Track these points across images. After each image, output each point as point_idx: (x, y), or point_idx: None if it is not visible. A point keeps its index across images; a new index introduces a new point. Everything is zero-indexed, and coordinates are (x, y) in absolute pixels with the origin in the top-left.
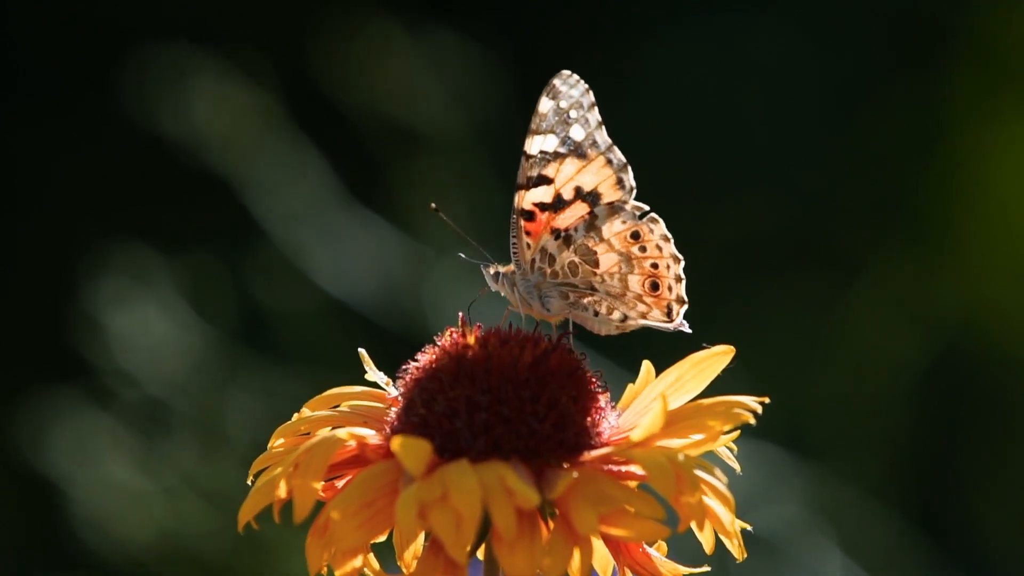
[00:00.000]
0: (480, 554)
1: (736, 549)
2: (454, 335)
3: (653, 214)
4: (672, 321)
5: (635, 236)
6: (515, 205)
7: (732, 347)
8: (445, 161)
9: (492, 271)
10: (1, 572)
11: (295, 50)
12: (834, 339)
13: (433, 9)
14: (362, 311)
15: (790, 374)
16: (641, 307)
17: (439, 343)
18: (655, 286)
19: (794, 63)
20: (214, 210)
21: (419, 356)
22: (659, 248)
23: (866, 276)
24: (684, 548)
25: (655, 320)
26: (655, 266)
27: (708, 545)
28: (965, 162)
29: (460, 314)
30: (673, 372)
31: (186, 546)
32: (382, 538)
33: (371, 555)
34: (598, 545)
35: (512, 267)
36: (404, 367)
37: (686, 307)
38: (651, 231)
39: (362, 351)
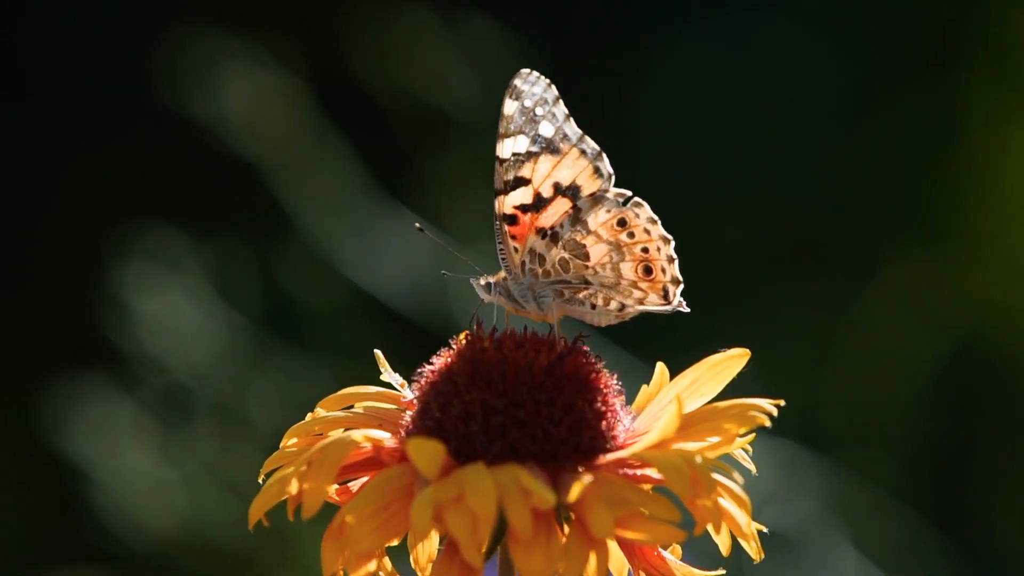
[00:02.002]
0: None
1: (753, 551)
2: (469, 338)
3: (637, 198)
4: (670, 303)
5: (622, 223)
6: (496, 211)
7: (747, 350)
8: (474, 151)
9: (483, 282)
10: (23, 557)
11: (326, 38)
12: (849, 339)
13: None
14: (388, 302)
15: (806, 373)
16: (637, 293)
17: (454, 346)
18: (648, 270)
19: (810, 64)
20: (243, 198)
21: (434, 359)
22: (647, 232)
23: (880, 277)
24: (702, 547)
25: (652, 304)
26: (645, 250)
27: (725, 547)
28: (979, 163)
29: (476, 317)
30: (688, 375)
31: (208, 535)
32: (397, 541)
33: (386, 558)
34: (613, 548)
35: (502, 274)
36: (419, 370)
37: (682, 287)
38: (637, 216)
39: (378, 352)
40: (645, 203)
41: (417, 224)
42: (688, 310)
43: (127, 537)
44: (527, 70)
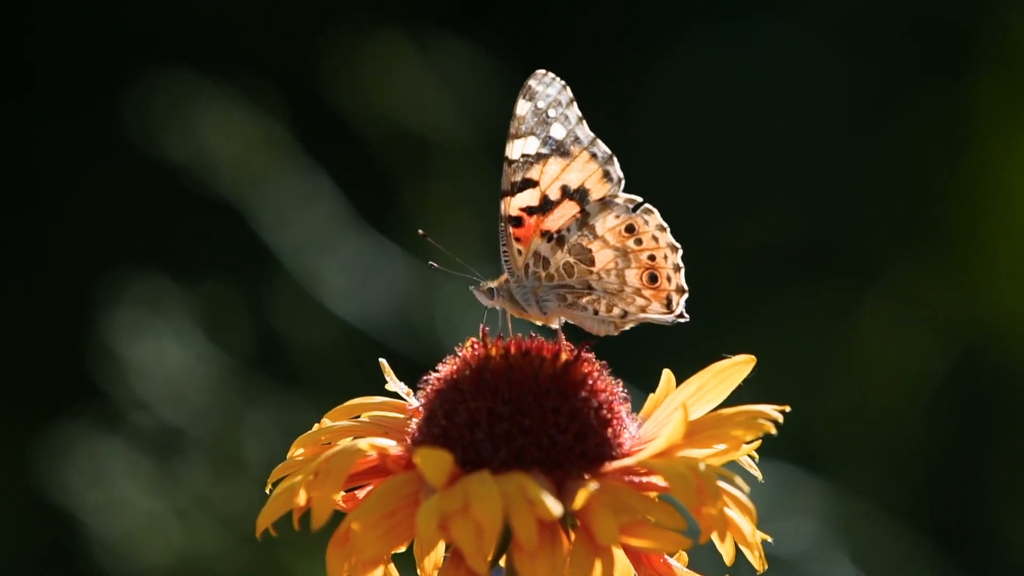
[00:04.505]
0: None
1: (757, 561)
2: (475, 346)
3: (647, 205)
4: (672, 312)
5: (630, 229)
6: (502, 213)
7: (753, 356)
8: (455, 176)
9: (484, 288)
10: None
11: (303, 70)
12: (854, 349)
13: (442, 21)
14: (375, 336)
15: (809, 386)
16: (640, 301)
17: (460, 354)
18: (653, 278)
19: (819, 71)
20: (227, 238)
21: (440, 367)
22: (655, 239)
23: (887, 285)
24: (700, 560)
25: (654, 313)
26: (652, 258)
27: (728, 556)
28: (989, 171)
29: (482, 326)
30: (694, 382)
31: (203, 569)
32: (403, 549)
33: (392, 566)
34: (619, 556)
35: (505, 277)
36: (425, 378)
37: (686, 296)
38: (646, 223)
39: (383, 361)
40: (655, 210)
41: (420, 231)
42: (688, 320)
43: (123, 575)
44: (542, 71)
